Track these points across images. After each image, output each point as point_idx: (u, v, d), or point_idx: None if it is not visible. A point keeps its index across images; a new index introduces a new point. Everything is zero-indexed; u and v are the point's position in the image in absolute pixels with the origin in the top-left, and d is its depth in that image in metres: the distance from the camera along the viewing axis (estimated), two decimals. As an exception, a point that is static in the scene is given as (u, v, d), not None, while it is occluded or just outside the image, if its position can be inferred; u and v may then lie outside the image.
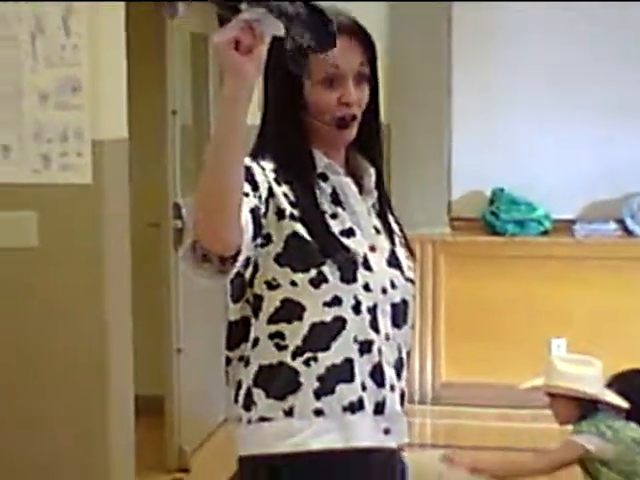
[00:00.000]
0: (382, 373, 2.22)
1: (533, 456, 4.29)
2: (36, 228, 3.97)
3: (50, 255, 4.00)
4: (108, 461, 4.02)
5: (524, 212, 6.40)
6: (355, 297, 2.19)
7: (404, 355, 2.29)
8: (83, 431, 4.01)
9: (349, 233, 2.24)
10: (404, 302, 2.28)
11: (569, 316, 6.31)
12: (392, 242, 2.33)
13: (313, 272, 2.17)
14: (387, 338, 2.24)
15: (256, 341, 2.19)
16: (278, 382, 2.17)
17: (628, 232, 6.35)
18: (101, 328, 3.99)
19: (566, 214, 6.47)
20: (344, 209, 2.26)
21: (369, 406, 2.19)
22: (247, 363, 2.21)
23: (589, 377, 4.16)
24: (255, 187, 2.10)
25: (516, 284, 6.38)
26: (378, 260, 2.26)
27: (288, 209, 2.17)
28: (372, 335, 2.21)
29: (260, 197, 2.11)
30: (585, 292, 6.32)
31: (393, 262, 2.30)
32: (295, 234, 2.17)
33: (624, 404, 4.20)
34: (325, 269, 2.17)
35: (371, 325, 2.21)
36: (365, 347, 2.20)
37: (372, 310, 2.21)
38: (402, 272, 2.30)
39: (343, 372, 2.17)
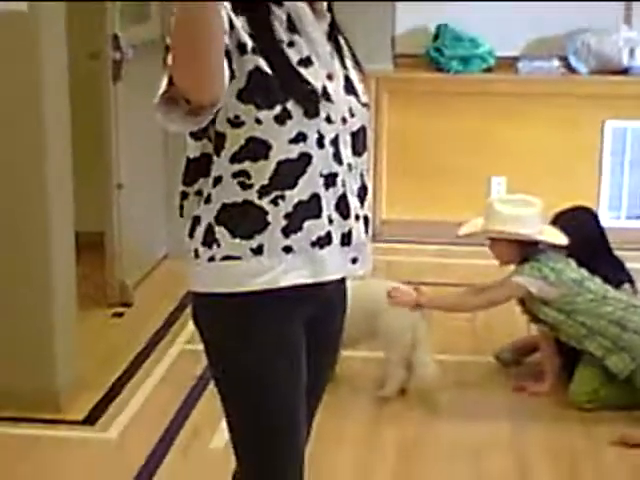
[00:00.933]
0: (347, 205, 2.22)
1: (473, 292, 4.35)
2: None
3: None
4: (50, 297, 4.02)
5: (468, 48, 6.34)
6: (318, 131, 2.17)
7: (366, 181, 2.30)
8: (24, 268, 3.99)
9: (307, 62, 2.19)
10: (363, 129, 2.27)
11: (510, 154, 6.35)
12: (344, 66, 2.29)
13: (277, 109, 2.12)
14: (350, 168, 2.23)
15: (218, 179, 2.16)
16: (245, 221, 2.15)
17: (571, 69, 6.34)
18: (40, 164, 3.92)
19: (510, 51, 6.44)
20: (300, 36, 2.20)
21: (336, 239, 2.21)
22: (208, 200, 2.18)
23: (527, 218, 4.20)
24: None
25: (458, 121, 6.37)
26: (336, 88, 2.23)
27: (249, 43, 2.11)
28: (335, 167, 2.20)
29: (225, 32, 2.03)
30: (527, 129, 6.34)
31: (349, 88, 2.26)
32: (257, 69, 2.11)
33: (563, 241, 4.25)
34: (289, 105, 2.13)
35: (334, 157, 2.20)
36: (330, 180, 2.20)
37: (334, 142, 2.20)
38: (358, 98, 2.27)
39: (310, 208, 2.17)
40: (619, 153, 6.32)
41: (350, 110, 2.23)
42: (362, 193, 2.28)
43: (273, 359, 2.20)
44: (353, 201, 2.24)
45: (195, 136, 2.18)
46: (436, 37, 6.39)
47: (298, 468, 2.29)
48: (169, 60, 1.95)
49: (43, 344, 4.04)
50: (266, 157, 2.14)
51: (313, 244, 2.18)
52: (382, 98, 6.36)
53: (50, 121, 3.94)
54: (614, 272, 4.43)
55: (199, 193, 2.21)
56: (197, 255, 2.19)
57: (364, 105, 2.29)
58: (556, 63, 6.34)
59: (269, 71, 2.11)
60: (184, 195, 2.24)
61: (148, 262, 5.64)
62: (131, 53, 5.12)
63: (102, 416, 4.08)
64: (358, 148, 2.26)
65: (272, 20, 2.16)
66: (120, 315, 5.13)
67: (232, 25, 2.08)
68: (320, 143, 2.17)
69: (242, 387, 2.22)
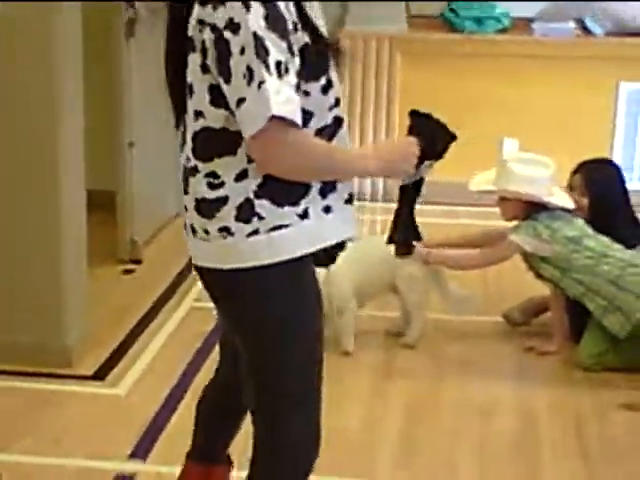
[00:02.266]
0: None
1: (473, 252, 4.37)
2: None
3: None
4: (60, 254, 4.04)
5: (483, 9, 6.30)
6: (338, 96, 2.30)
7: None
8: (36, 227, 4.01)
9: (319, 27, 2.29)
10: None
11: (523, 116, 6.30)
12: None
13: (323, 80, 2.24)
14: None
15: None
16: (289, 190, 2.23)
17: (586, 31, 6.29)
18: (51, 121, 3.92)
19: (525, 12, 6.39)
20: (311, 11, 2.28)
21: (353, 196, 2.37)
22: (242, 177, 2.23)
23: (540, 179, 4.20)
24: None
25: (472, 82, 6.34)
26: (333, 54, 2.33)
27: (297, 21, 2.21)
28: (345, 127, 2.34)
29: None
30: (541, 91, 6.30)
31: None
32: (306, 45, 2.21)
33: (570, 205, 4.26)
34: (332, 76, 2.27)
35: (342, 121, 2.33)
36: (347, 140, 2.35)
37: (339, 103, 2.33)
38: None
39: None
40: (633, 115, 6.28)
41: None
42: None
43: (316, 310, 2.38)
44: None
45: (218, 105, 2.21)
46: (451, -3, 6.35)
47: None
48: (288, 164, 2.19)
49: (54, 300, 4.06)
50: (306, 126, 2.22)
51: (346, 202, 2.33)
52: (395, 58, 6.33)
53: (62, 77, 3.93)
54: (633, 231, 4.40)
55: (212, 175, 2.24)
56: (230, 233, 2.24)
57: None
58: (571, 25, 6.29)
59: (311, 44, 2.23)
60: (194, 170, 2.27)
61: (159, 220, 5.64)
62: (144, 11, 5.11)
63: (111, 371, 4.11)
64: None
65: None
66: (130, 272, 5.15)
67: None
68: (338, 104, 2.31)
69: (299, 337, 2.35)
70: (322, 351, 2.43)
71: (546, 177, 4.22)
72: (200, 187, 2.27)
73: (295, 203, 2.24)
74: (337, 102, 2.28)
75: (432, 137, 2.42)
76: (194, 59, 2.22)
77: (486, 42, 6.30)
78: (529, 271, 4.34)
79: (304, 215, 2.24)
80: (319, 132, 2.24)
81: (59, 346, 4.09)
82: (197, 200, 2.28)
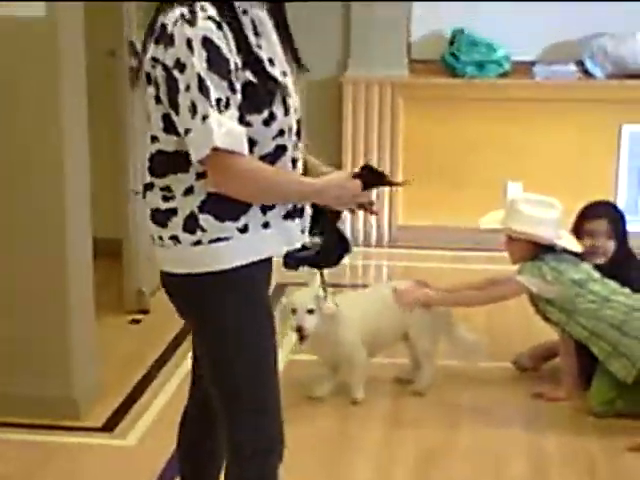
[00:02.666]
0: None
1: (477, 288, 4.40)
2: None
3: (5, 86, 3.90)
4: (67, 303, 4.03)
5: (484, 53, 6.33)
6: (289, 124, 2.52)
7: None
8: (42, 275, 4.00)
9: (271, 62, 2.51)
10: (299, 117, 2.60)
11: (527, 159, 6.33)
12: (289, 62, 2.62)
13: (265, 113, 2.46)
14: (297, 149, 2.59)
15: (202, 173, 2.45)
16: (230, 206, 2.46)
17: (587, 74, 6.32)
18: (58, 168, 3.93)
19: (526, 56, 6.42)
20: (262, 38, 2.52)
21: (296, 212, 2.58)
22: (189, 192, 2.48)
23: (548, 221, 4.21)
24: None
25: (474, 127, 6.37)
26: (290, 83, 2.55)
27: (238, 61, 2.43)
28: (296, 153, 2.58)
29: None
30: (544, 135, 6.33)
31: (294, 82, 2.58)
32: (247, 83, 2.44)
33: (577, 248, 4.27)
34: (274, 108, 2.47)
35: (295, 145, 2.56)
36: (294, 165, 2.57)
37: (291, 131, 2.54)
38: (295, 90, 2.58)
39: None
40: (636, 157, 6.30)
41: (296, 102, 2.56)
42: (305, 169, 2.66)
43: (261, 318, 2.58)
44: None
45: (169, 132, 2.47)
46: (452, 42, 6.37)
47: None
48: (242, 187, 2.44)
49: (61, 351, 4.05)
50: (251, 152, 2.45)
51: (284, 217, 2.54)
52: (397, 104, 6.36)
53: (68, 124, 3.95)
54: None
55: (167, 189, 2.50)
56: (179, 241, 2.50)
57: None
58: (572, 67, 6.32)
59: (255, 81, 2.44)
60: (150, 186, 2.55)
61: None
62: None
63: (121, 423, 4.09)
64: (299, 134, 2.59)
65: (245, 30, 2.47)
66: (137, 322, 5.14)
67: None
68: (290, 134, 2.52)
69: (249, 340, 2.56)
70: (274, 361, 2.64)
71: (554, 218, 4.24)
72: (155, 200, 2.53)
73: (236, 219, 2.48)
74: (281, 132, 2.49)
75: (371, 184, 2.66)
76: (150, 92, 2.49)
77: (488, 86, 6.33)
78: (537, 314, 4.33)
79: (244, 229, 2.49)
80: (262, 158, 2.48)
81: (67, 398, 4.07)
82: (152, 210, 2.55)
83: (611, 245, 4.40)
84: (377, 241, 6.48)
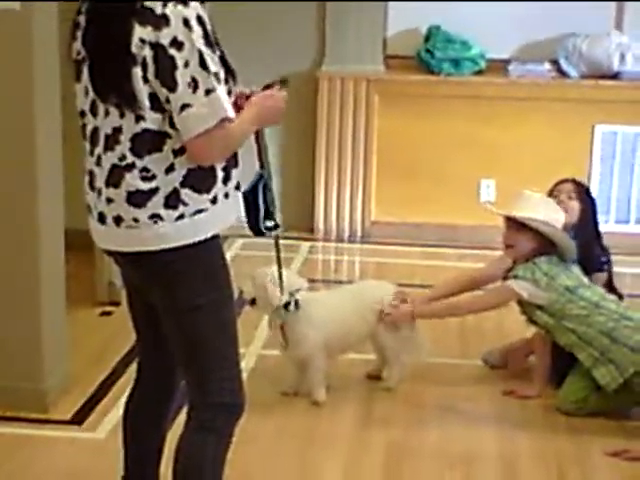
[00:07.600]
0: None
1: (469, 297, 4.36)
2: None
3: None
4: (39, 295, 4.00)
5: (459, 51, 6.35)
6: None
7: None
8: (13, 266, 3.98)
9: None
10: None
11: (500, 157, 6.36)
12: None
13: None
14: None
15: (181, 150, 2.61)
16: (205, 179, 2.65)
17: (562, 73, 6.35)
18: (30, 160, 3.90)
19: (501, 54, 6.45)
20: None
21: (239, 183, 2.78)
22: (170, 170, 2.61)
23: (557, 219, 4.18)
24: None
25: (448, 124, 6.38)
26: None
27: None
28: None
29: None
30: (517, 133, 6.36)
31: None
32: (222, 55, 2.66)
33: (574, 256, 4.22)
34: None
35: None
36: None
37: None
38: None
39: (235, 160, 2.74)
40: (609, 157, 6.34)
41: None
42: None
43: (228, 278, 2.78)
44: None
45: (157, 109, 2.58)
46: (427, 39, 6.39)
47: None
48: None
49: (31, 343, 4.02)
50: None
51: (236, 188, 2.75)
52: (372, 99, 6.36)
53: (41, 118, 3.92)
54: (601, 255, 4.46)
55: (145, 170, 2.61)
56: (161, 218, 2.63)
57: None
58: (547, 67, 6.35)
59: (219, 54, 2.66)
60: (131, 167, 2.63)
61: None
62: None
63: (90, 416, 4.07)
64: None
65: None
66: (108, 314, 5.12)
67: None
68: None
69: (221, 307, 2.75)
70: (235, 322, 2.84)
71: (560, 219, 4.20)
72: (134, 181, 2.62)
73: (208, 190, 2.66)
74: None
75: None
76: (136, 72, 2.56)
77: (463, 83, 6.35)
78: (522, 315, 4.29)
79: (214, 200, 2.67)
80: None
81: (36, 390, 4.04)
82: (129, 192, 2.63)
83: (574, 205, 4.41)
84: (350, 237, 6.49)
